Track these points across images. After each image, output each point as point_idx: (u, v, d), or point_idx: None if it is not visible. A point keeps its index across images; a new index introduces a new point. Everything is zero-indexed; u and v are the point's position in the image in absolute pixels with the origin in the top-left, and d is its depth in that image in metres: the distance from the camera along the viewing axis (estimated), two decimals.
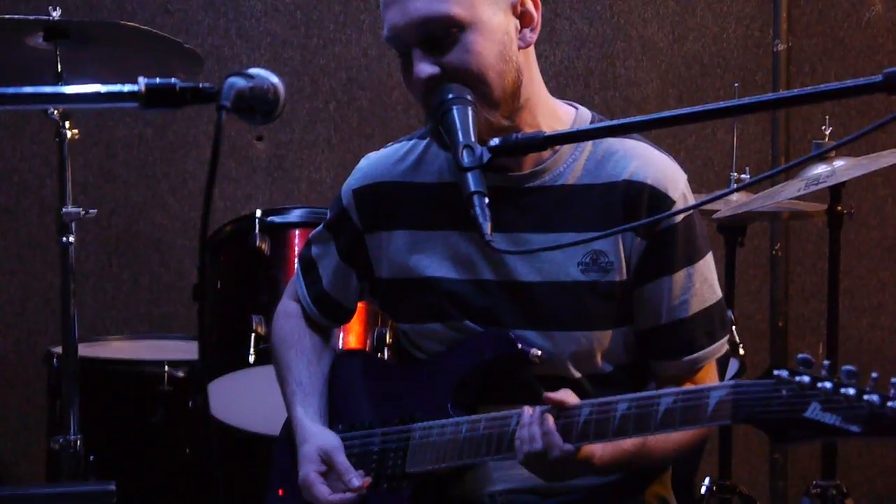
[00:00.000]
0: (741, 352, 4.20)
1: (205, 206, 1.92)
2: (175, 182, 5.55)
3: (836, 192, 4.29)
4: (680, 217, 2.72)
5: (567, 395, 2.56)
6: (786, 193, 4.15)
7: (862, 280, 5.62)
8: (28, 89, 1.88)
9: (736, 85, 4.55)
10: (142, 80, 1.87)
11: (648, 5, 5.60)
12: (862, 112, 5.40)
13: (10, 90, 1.87)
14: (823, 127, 4.27)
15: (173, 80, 1.89)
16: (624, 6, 5.59)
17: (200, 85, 1.90)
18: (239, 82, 1.90)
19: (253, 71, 1.95)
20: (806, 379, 2.21)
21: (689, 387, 2.48)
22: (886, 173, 5.42)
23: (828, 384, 2.18)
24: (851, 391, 2.16)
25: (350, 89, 5.58)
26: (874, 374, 2.18)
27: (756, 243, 5.53)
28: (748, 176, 4.50)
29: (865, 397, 2.14)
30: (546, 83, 2.80)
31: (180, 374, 4.26)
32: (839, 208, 4.29)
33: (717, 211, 4.28)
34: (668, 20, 5.61)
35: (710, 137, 5.56)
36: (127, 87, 1.88)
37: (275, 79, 1.97)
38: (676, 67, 5.61)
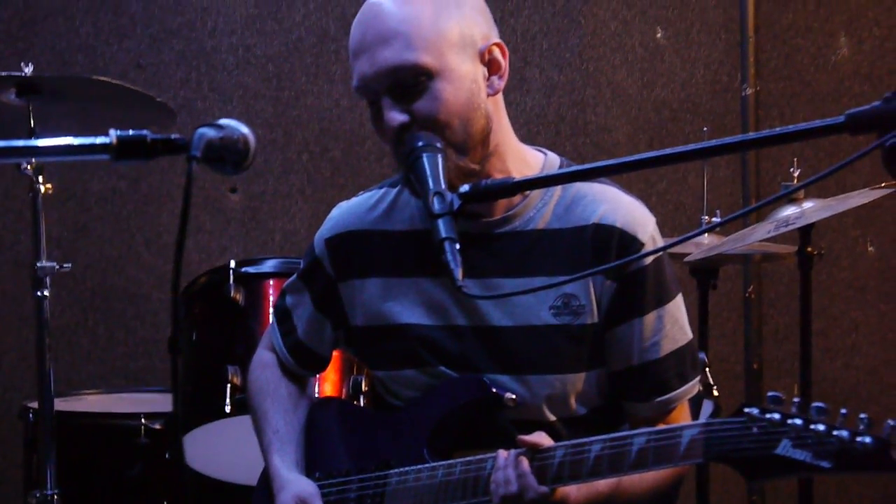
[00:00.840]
0: (715, 393, 4.21)
1: (176, 255, 1.93)
2: (149, 235, 5.57)
3: (805, 233, 4.31)
4: (649, 259, 2.75)
5: (541, 438, 2.58)
6: (756, 235, 4.18)
7: (835, 321, 5.65)
8: (0, 143, 1.90)
9: (705, 129, 4.61)
10: (113, 133, 1.89)
11: (617, 52, 5.65)
12: (831, 154, 5.45)
13: None
14: (792, 169, 4.31)
15: (144, 131, 1.91)
16: (593, 53, 5.64)
17: (171, 136, 1.92)
18: (209, 133, 1.92)
19: (223, 122, 1.97)
20: (776, 416, 2.24)
21: (661, 427, 2.50)
22: (857, 213, 5.47)
23: (798, 421, 2.21)
24: (821, 427, 2.19)
25: (323, 140, 5.61)
26: (843, 411, 2.20)
27: (729, 286, 5.56)
28: (719, 218, 4.53)
29: (835, 433, 2.17)
30: (517, 130, 2.83)
31: (157, 426, 4.25)
32: (809, 249, 4.31)
33: (689, 254, 4.31)
34: (636, 66, 5.66)
35: (680, 182, 5.59)
36: (99, 140, 1.90)
37: (244, 129, 1.99)
38: (646, 113, 5.65)
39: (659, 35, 5.67)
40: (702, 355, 4.02)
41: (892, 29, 5.67)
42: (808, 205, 4.19)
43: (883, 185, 4.18)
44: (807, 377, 4.38)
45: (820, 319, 5.31)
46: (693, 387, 2.84)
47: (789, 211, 4.19)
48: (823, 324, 5.51)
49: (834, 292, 5.63)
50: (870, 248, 5.67)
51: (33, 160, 3.81)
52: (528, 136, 2.87)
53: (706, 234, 4.50)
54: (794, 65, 5.68)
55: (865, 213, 5.54)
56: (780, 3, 5.67)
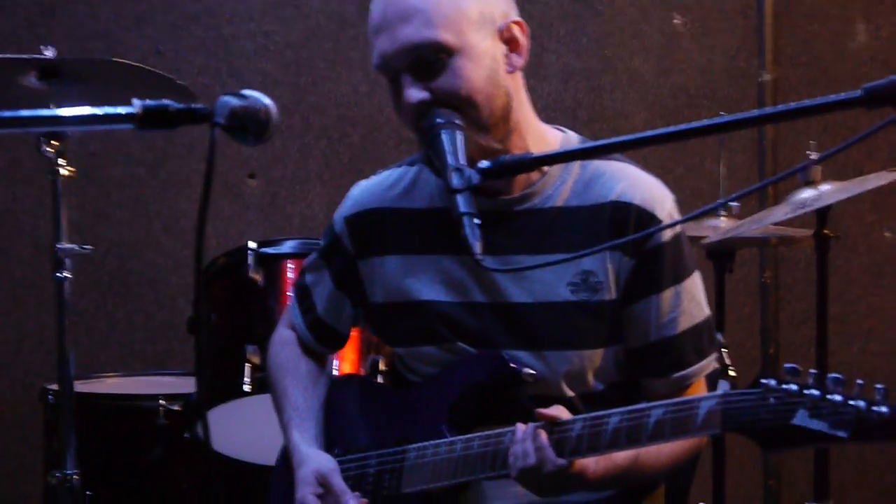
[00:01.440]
0: (732, 373, 4.23)
1: (199, 224, 1.95)
2: (168, 221, 5.59)
3: (822, 216, 4.32)
4: (667, 236, 2.76)
5: (559, 411, 2.60)
6: (773, 218, 4.19)
7: (852, 306, 5.65)
8: (25, 112, 1.93)
9: (721, 115, 4.59)
10: (137, 102, 1.92)
11: (634, 38, 5.66)
12: (849, 139, 5.43)
13: (8, 113, 1.91)
14: (809, 152, 4.32)
15: (167, 101, 1.93)
16: (610, 39, 5.65)
17: (194, 105, 1.94)
18: (232, 101, 1.94)
19: (246, 92, 1.99)
20: (793, 387, 2.25)
21: (678, 398, 2.52)
22: (873, 199, 5.48)
23: (814, 391, 2.22)
24: (838, 398, 2.20)
25: (341, 126, 5.63)
26: (859, 381, 2.21)
27: (746, 271, 5.57)
28: (736, 203, 4.54)
29: (851, 403, 2.18)
30: None
31: (176, 407, 4.26)
32: (826, 232, 4.32)
33: (705, 237, 4.32)
34: (654, 53, 5.67)
35: (697, 167, 5.60)
36: (122, 109, 1.92)
37: (267, 100, 2.02)
38: (663, 99, 5.66)
39: (676, 21, 5.68)
40: (718, 335, 4.03)
41: None
42: (825, 187, 4.20)
43: None
44: (823, 362, 4.39)
45: (836, 305, 5.31)
46: (710, 363, 2.85)
47: (806, 194, 4.20)
48: (840, 309, 5.51)
49: (851, 278, 5.64)
50: (886, 234, 5.68)
51: (54, 143, 3.82)
52: (545, 121, 2.88)
53: (722, 218, 4.51)
54: (811, 51, 5.69)
55: (882, 199, 5.55)
56: None
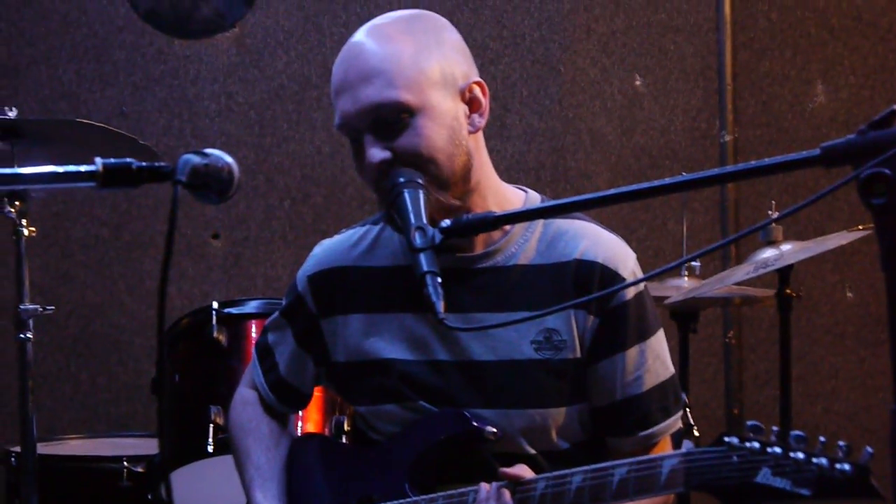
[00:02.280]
0: (696, 433, 4.23)
1: (161, 284, 1.95)
2: (131, 282, 5.58)
3: (784, 276, 4.35)
4: (631, 294, 2.77)
5: (522, 470, 2.60)
6: (735, 277, 4.22)
7: (815, 366, 5.68)
8: None
9: (683, 175, 4.62)
10: (98, 160, 1.91)
11: (596, 99, 5.70)
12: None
13: None
14: (770, 212, 4.35)
15: (129, 159, 1.93)
16: (573, 100, 5.68)
17: (156, 164, 1.94)
18: (194, 159, 1.94)
19: (208, 150, 1.99)
20: (756, 445, 2.25)
21: (642, 457, 2.52)
22: (835, 260, 5.52)
23: (777, 449, 2.23)
24: (801, 455, 2.20)
25: (304, 187, 5.64)
26: (822, 439, 2.22)
27: (709, 331, 5.59)
28: (698, 263, 4.56)
29: (814, 461, 2.19)
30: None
31: (139, 469, 4.24)
32: (788, 291, 4.34)
33: (668, 297, 4.34)
34: (616, 114, 5.70)
35: (660, 228, 5.63)
36: (84, 168, 1.92)
37: (229, 158, 2.01)
38: (626, 160, 5.70)
39: (638, 83, 5.72)
40: (683, 395, 4.03)
41: (868, 76, 5.73)
42: (786, 247, 4.23)
43: (860, 227, 4.22)
44: (787, 422, 4.40)
45: (800, 365, 5.35)
46: (676, 421, 2.85)
47: (768, 253, 4.22)
48: (803, 369, 5.54)
49: (814, 338, 5.67)
50: (848, 294, 5.71)
51: (17, 203, 3.81)
52: (508, 182, 2.90)
53: (685, 278, 4.53)
54: (771, 112, 5.74)
55: (844, 259, 5.59)
56: (758, 52, 5.73)
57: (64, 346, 5.53)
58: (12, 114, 3.94)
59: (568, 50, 5.68)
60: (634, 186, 2.16)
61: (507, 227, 2.79)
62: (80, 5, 5.61)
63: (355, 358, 2.89)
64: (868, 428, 5.66)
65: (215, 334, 4.06)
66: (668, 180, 2.17)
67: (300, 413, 3.26)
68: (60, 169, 1.92)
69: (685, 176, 2.16)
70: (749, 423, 2.28)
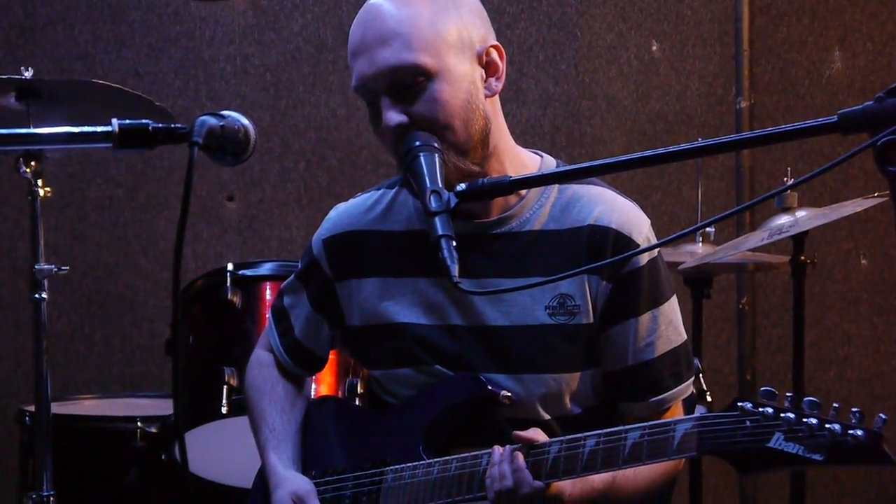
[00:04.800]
0: (709, 399, 4.24)
1: (177, 244, 1.95)
2: (146, 243, 5.59)
3: (799, 242, 4.34)
4: (644, 260, 2.77)
5: (536, 434, 2.61)
6: (749, 244, 4.21)
7: (828, 333, 5.68)
8: (2, 131, 1.92)
9: (699, 140, 4.61)
10: (115, 121, 1.92)
11: (612, 64, 5.68)
12: (825, 164, 5.46)
13: None
14: (786, 178, 4.34)
15: (145, 120, 1.93)
16: (589, 65, 5.67)
17: (172, 125, 1.94)
18: (210, 120, 1.94)
19: (224, 112, 2.00)
20: (769, 410, 2.26)
21: (655, 421, 2.53)
22: (850, 227, 5.51)
23: (790, 415, 2.24)
24: (813, 421, 2.22)
25: (320, 150, 5.63)
26: (835, 405, 2.23)
27: (723, 297, 5.59)
28: (712, 229, 4.56)
29: (827, 426, 2.20)
30: None
31: (153, 429, 4.26)
32: (802, 258, 4.34)
33: (682, 263, 4.33)
34: (632, 79, 5.69)
35: (675, 194, 5.63)
36: (101, 128, 1.92)
37: (245, 120, 2.02)
38: (641, 125, 5.68)
39: (654, 48, 5.71)
40: (696, 360, 4.04)
41: (886, 44, 5.71)
42: (801, 213, 4.22)
43: (875, 194, 4.21)
44: (800, 388, 4.40)
45: (813, 331, 5.35)
46: (687, 387, 2.86)
47: (783, 220, 4.22)
48: (816, 335, 5.54)
49: (827, 304, 5.66)
50: (863, 261, 5.70)
51: (32, 164, 3.81)
52: (524, 146, 2.89)
53: (700, 244, 4.53)
54: (788, 79, 5.72)
55: (858, 226, 5.58)
56: (775, 18, 5.71)
57: (78, 307, 5.54)
58: (28, 74, 3.94)
59: (584, 14, 5.66)
60: (650, 152, 2.16)
61: (523, 193, 2.79)
62: None
63: (370, 321, 2.90)
64: (880, 395, 5.66)
65: (230, 296, 4.07)
66: (683, 146, 2.16)
67: (314, 375, 3.27)
68: (77, 130, 1.93)
69: (701, 142, 2.17)
70: (762, 389, 2.29)
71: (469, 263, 2.52)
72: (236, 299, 4.08)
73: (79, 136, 1.94)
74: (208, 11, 5.63)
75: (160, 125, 1.94)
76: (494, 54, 2.76)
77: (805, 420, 2.22)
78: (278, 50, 5.64)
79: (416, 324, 2.84)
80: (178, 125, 1.95)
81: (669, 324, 2.82)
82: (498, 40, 2.79)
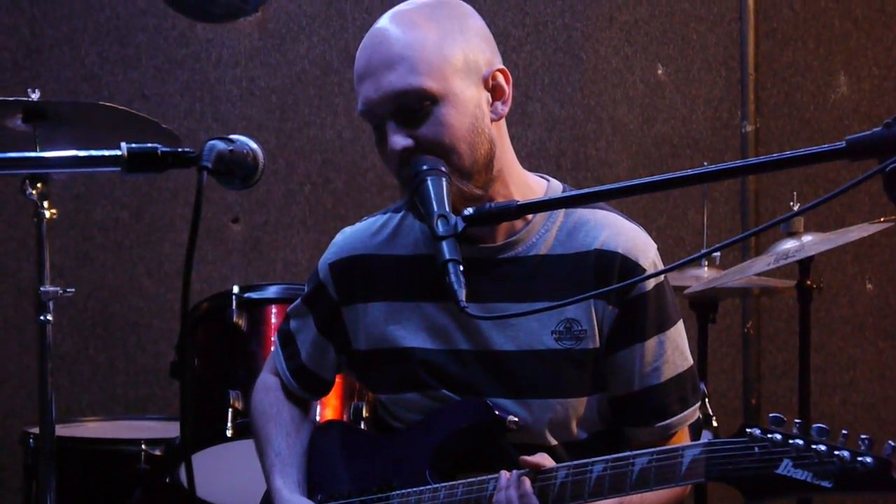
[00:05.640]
0: (714, 424, 4.22)
1: (186, 268, 1.95)
2: (151, 265, 5.59)
3: (804, 267, 4.34)
4: (651, 285, 2.76)
5: (543, 459, 2.60)
6: (755, 268, 4.20)
7: (833, 357, 5.67)
8: (11, 154, 1.92)
9: (705, 164, 4.61)
10: (124, 145, 1.91)
11: (618, 88, 5.69)
12: (831, 190, 5.46)
13: None
14: (792, 203, 4.34)
15: (155, 144, 1.93)
16: (594, 88, 5.67)
17: (181, 149, 1.94)
18: (219, 145, 1.94)
19: (233, 136, 2.00)
20: (778, 436, 2.26)
21: (663, 447, 2.52)
22: (855, 251, 5.51)
23: (799, 441, 2.23)
24: (822, 448, 2.21)
25: (325, 172, 5.64)
26: (844, 431, 2.22)
27: (728, 321, 5.58)
28: (718, 253, 4.55)
29: (836, 453, 2.19)
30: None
31: (157, 452, 4.25)
32: (808, 283, 4.34)
33: (688, 287, 4.33)
34: (637, 102, 5.69)
35: (680, 217, 5.63)
36: (109, 152, 1.92)
37: (254, 144, 2.02)
38: (646, 148, 5.69)
39: (660, 71, 5.71)
40: (702, 385, 4.03)
41: (891, 68, 5.71)
42: (807, 238, 4.22)
43: (882, 219, 4.21)
44: (805, 413, 4.39)
45: (818, 356, 5.34)
46: (694, 412, 2.85)
47: (789, 244, 4.21)
48: (822, 360, 5.53)
49: (832, 329, 5.66)
50: (868, 286, 5.70)
51: (39, 185, 3.81)
52: (529, 169, 2.89)
53: (705, 268, 4.52)
54: (793, 103, 5.72)
55: (864, 251, 5.58)
56: (781, 42, 5.72)
57: (83, 329, 5.54)
58: (35, 96, 3.94)
59: (590, 38, 5.67)
60: (657, 177, 2.16)
61: (529, 217, 2.79)
62: None
63: (376, 346, 2.89)
64: (886, 419, 5.65)
65: (235, 319, 4.06)
66: (690, 171, 2.16)
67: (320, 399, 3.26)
68: (85, 154, 1.92)
69: (707, 167, 2.16)
70: (771, 415, 2.28)
71: (475, 288, 2.51)
72: (242, 322, 4.07)
73: (88, 160, 1.94)
74: (214, 34, 5.64)
75: (169, 149, 1.93)
76: (501, 78, 2.75)
77: (814, 447, 2.21)
78: (284, 72, 5.65)
79: (422, 348, 2.83)
80: (187, 149, 1.95)
81: (676, 349, 2.81)
82: (503, 63, 2.79)
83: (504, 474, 2.60)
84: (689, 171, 2.15)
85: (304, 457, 3.02)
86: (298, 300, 3.09)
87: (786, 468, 2.23)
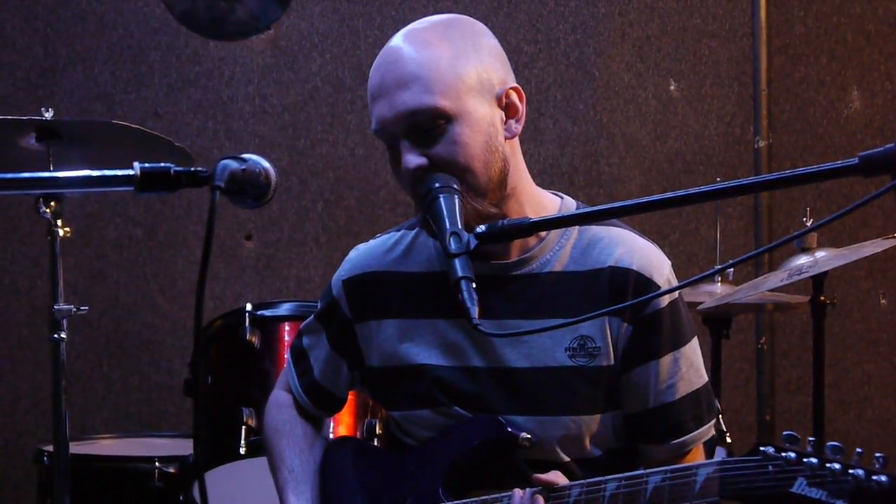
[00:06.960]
0: (728, 440, 4.22)
1: (199, 288, 1.95)
2: (164, 282, 5.60)
3: (818, 283, 4.33)
4: (665, 302, 2.76)
5: (556, 476, 2.60)
6: (769, 284, 4.20)
7: (847, 373, 5.66)
8: (24, 175, 1.93)
9: (718, 180, 4.62)
10: (136, 165, 1.92)
11: (630, 104, 5.69)
12: (844, 206, 5.45)
13: (7, 175, 1.91)
14: (805, 219, 4.34)
15: (167, 164, 1.93)
16: (607, 105, 5.68)
17: (194, 168, 1.94)
18: (232, 164, 1.94)
19: (245, 155, 2.00)
20: (792, 455, 2.25)
21: (677, 465, 2.51)
22: (869, 266, 5.50)
23: (813, 459, 2.22)
24: (837, 466, 2.20)
25: (338, 189, 5.64)
26: (859, 450, 2.21)
27: (742, 337, 5.57)
28: (732, 269, 4.55)
29: (851, 472, 2.18)
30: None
31: (171, 469, 4.25)
32: (822, 299, 4.33)
33: (701, 303, 4.33)
34: (650, 118, 5.69)
35: (693, 233, 5.62)
36: (122, 172, 1.92)
37: (266, 163, 2.02)
38: (659, 164, 5.68)
39: (672, 87, 5.71)
40: (716, 401, 4.03)
41: None
42: (820, 254, 4.21)
43: (895, 235, 4.20)
44: (819, 429, 4.38)
45: (832, 371, 5.32)
46: (708, 430, 2.84)
47: (802, 260, 4.21)
48: (836, 376, 5.52)
49: (846, 344, 5.65)
50: (882, 301, 5.69)
51: (52, 204, 3.82)
52: (542, 186, 2.88)
53: (719, 284, 4.52)
54: (806, 118, 5.72)
55: (878, 266, 5.57)
56: (793, 57, 5.72)
57: (97, 346, 5.55)
58: (48, 115, 3.96)
59: (602, 54, 5.67)
60: (669, 194, 2.16)
61: (543, 234, 2.78)
62: (116, 6, 5.63)
63: (389, 363, 2.89)
64: None
65: (248, 336, 4.06)
66: (703, 188, 2.16)
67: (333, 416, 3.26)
68: (98, 173, 1.93)
69: (720, 184, 2.16)
70: (785, 433, 2.27)
71: (489, 305, 2.51)
72: (255, 339, 4.07)
73: (101, 180, 1.94)
74: (227, 52, 5.65)
75: (182, 169, 1.94)
76: (514, 96, 2.75)
77: (828, 465, 2.20)
78: (297, 90, 5.66)
79: (435, 365, 2.83)
80: (200, 168, 1.95)
81: (691, 366, 2.80)
82: (516, 80, 2.79)
83: (517, 492, 2.60)
84: (702, 188, 2.15)
85: (317, 474, 3.01)
86: (311, 317, 3.09)
87: (800, 487, 2.22)
